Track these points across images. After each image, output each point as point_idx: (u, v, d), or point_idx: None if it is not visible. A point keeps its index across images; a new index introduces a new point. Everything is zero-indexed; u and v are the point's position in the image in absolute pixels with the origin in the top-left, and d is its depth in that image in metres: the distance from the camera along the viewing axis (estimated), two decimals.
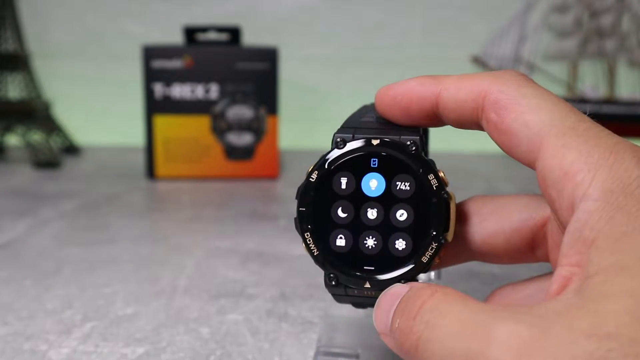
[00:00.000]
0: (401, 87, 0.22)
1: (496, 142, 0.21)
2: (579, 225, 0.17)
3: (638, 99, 0.85)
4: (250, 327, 0.32)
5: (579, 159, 0.18)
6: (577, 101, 0.84)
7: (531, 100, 0.20)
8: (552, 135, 0.19)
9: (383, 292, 0.21)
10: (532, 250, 0.23)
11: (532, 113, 0.19)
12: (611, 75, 0.88)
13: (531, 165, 0.20)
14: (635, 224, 0.16)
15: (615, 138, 0.18)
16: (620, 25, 0.87)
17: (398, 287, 0.20)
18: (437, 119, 0.22)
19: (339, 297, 0.24)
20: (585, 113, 0.19)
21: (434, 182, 0.21)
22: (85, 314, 0.34)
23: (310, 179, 0.22)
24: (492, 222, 0.23)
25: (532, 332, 0.15)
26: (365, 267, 0.22)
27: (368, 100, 0.27)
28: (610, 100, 0.85)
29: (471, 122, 0.21)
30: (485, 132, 0.22)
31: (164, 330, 0.32)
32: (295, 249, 0.45)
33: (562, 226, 0.18)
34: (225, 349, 0.30)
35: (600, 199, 0.17)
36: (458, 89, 0.21)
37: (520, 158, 0.20)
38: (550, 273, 0.23)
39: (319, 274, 0.23)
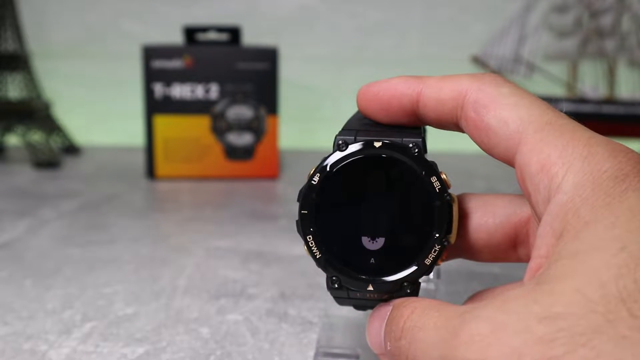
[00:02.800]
0: (383, 84, 0.23)
1: (475, 141, 0.21)
2: (550, 218, 0.18)
3: (638, 99, 0.85)
4: (250, 327, 0.32)
5: (555, 152, 0.18)
6: (577, 101, 0.84)
7: (509, 98, 0.20)
8: (530, 131, 0.19)
9: (370, 314, 0.22)
10: (514, 248, 0.23)
11: (511, 110, 0.20)
12: (611, 75, 0.88)
13: (510, 161, 0.20)
14: (597, 215, 0.17)
15: (590, 133, 0.19)
16: (620, 25, 0.87)
17: (382, 308, 0.22)
18: (415, 118, 0.23)
19: (341, 300, 0.24)
20: (561, 111, 0.20)
21: (436, 184, 0.21)
22: (85, 314, 0.34)
23: (312, 182, 0.22)
24: (475, 216, 0.23)
25: (490, 327, 0.16)
26: (368, 270, 0.22)
27: None
28: (610, 100, 0.85)
29: (450, 121, 0.22)
30: (464, 134, 0.22)
31: (164, 330, 0.32)
32: (295, 249, 0.45)
33: (539, 220, 0.19)
34: (225, 349, 0.30)
35: (569, 191, 0.17)
36: (439, 88, 0.22)
37: (499, 155, 0.21)
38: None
39: (319, 273, 0.23)
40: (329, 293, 0.23)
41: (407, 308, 0.20)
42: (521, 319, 0.15)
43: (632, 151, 0.18)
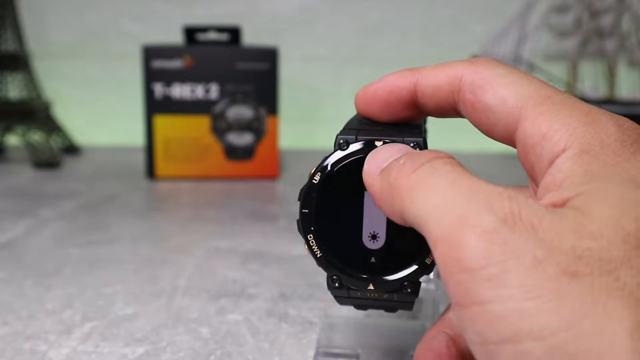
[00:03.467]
0: (379, 82, 0.23)
1: (474, 123, 0.21)
2: (555, 170, 0.18)
3: (638, 99, 0.85)
4: (250, 327, 0.32)
5: (557, 122, 0.18)
6: None
7: (506, 77, 0.20)
8: (529, 106, 0.19)
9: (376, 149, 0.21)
10: None
11: (508, 88, 0.20)
12: (611, 75, 0.88)
13: (511, 139, 0.20)
14: (610, 169, 0.16)
15: (592, 106, 0.19)
16: (620, 25, 0.87)
17: (393, 145, 0.21)
18: (417, 110, 0.23)
19: (342, 299, 0.23)
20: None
21: None
22: (85, 314, 0.34)
23: (313, 181, 0.22)
24: None
25: (529, 216, 0.15)
26: (368, 269, 0.22)
27: None
28: (610, 100, 0.85)
29: (449, 107, 0.22)
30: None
31: (164, 330, 0.32)
32: (295, 249, 0.45)
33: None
34: (225, 349, 0.30)
35: (578, 148, 0.17)
36: (435, 75, 0.22)
37: (499, 134, 0.20)
38: None
39: (319, 273, 0.23)
40: (329, 292, 0.23)
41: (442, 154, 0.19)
42: (558, 222, 0.15)
43: (635, 124, 0.18)
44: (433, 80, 0.22)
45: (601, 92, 0.88)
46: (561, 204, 0.16)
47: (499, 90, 0.20)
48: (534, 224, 0.15)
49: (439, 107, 0.22)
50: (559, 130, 0.18)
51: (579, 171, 0.17)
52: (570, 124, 0.18)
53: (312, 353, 0.29)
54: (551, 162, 0.18)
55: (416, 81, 0.22)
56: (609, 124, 0.18)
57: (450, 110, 0.22)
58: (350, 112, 0.25)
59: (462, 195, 0.16)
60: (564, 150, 0.17)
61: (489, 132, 0.21)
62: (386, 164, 0.19)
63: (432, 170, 0.18)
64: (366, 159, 0.20)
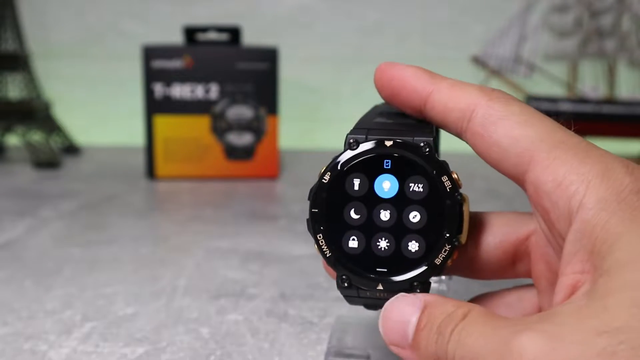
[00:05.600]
0: (399, 72, 0.23)
1: (479, 154, 0.21)
2: (578, 235, 0.18)
3: (638, 99, 0.85)
4: (250, 327, 0.32)
5: (571, 170, 0.18)
6: (577, 101, 0.84)
7: (519, 116, 0.20)
8: (542, 149, 0.19)
9: (389, 302, 0.20)
10: (512, 265, 0.23)
11: (521, 128, 0.20)
12: (611, 75, 0.88)
13: (518, 178, 0.20)
14: (629, 226, 0.17)
15: (603, 151, 0.19)
16: (620, 25, 0.87)
17: (409, 298, 0.20)
18: (420, 112, 0.23)
19: (351, 299, 0.23)
20: (556, 116, 0.20)
21: (447, 183, 0.21)
22: (85, 314, 0.34)
23: (323, 180, 0.22)
24: (473, 235, 0.23)
25: (546, 339, 0.15)
26: (378, 269, 0.22)
27: (367, 100, 0.27)
28: (610, 100, 0.85)
29: (454, 129, 0.22)
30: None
31: (164, 330, 0.32)
32: (295, 249, 0.45)
33: (560, 236, 0.19)
34: (225, 349, 0.30)
35: (595, 207, 0.17)
36: (449, 96, 0.22)
37: (504, 169, 0.21)
38: (526, 285, 0.24)
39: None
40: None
41: (458, 313, 0.19)
42: (578, 332, 0.15)
43: None
44: (446, 99, 0.22)
45: (601, 92, 0.88)
46: (591, 287, 0.17)
47: (511, 129, 0.20)
48: (557, 348, 0.15)
49: (444, 124, 0.22)
50: (574, 182, 0.18)
51: (600, 238, 0.17)
52: (585, 174, 0.18)
53: (312, 353, 0.30)
54: (570, 214, 0.18)
55: (430, 92, 0.22)
56: (621, 173, 0.18)
57: (453, 130, 0.22)
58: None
59: (497, 335, 0.17)
60: (581, 206, 0.18)
61: (493, 164, 0.21)
62: (411, 332, 0.19)
63: (465, 334, 0.18)
64: (380, 324, 0.20)
